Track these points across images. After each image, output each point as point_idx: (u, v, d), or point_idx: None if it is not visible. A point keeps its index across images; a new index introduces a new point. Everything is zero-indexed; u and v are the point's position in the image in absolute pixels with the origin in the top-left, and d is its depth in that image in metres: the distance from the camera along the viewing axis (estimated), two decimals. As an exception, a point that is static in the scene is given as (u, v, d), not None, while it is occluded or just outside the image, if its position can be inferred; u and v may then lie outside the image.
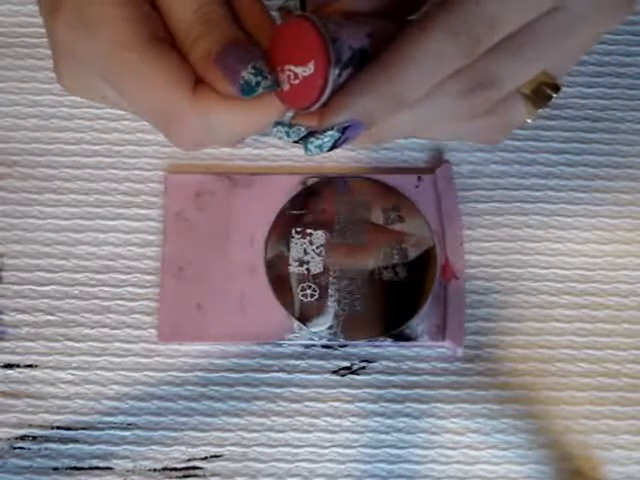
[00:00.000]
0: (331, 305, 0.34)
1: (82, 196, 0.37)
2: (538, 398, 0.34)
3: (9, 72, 0.38)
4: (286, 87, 0.24)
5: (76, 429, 0.34)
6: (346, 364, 0.35)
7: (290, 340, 0.34)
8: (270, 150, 0.38)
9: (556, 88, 0.28)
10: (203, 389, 0.34)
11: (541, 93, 0.28)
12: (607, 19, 0.27)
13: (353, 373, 0.35)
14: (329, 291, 0.34)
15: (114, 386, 0.34)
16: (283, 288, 0.35)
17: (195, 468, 0.33)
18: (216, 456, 0.33)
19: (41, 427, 0.34)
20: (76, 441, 0.33)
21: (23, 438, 0.33)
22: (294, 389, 0.34)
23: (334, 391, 0.34)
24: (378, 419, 0.34)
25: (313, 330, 0.34)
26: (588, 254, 0.36)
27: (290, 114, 0.26)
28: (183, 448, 0.33)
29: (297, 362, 0.35)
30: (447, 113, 0.27)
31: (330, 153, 0.37)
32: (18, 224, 0.36)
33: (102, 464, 0.33)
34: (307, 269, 0.35)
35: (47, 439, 0.33)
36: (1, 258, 0.36)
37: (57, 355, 0.34)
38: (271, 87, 0.24)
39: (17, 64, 0.39)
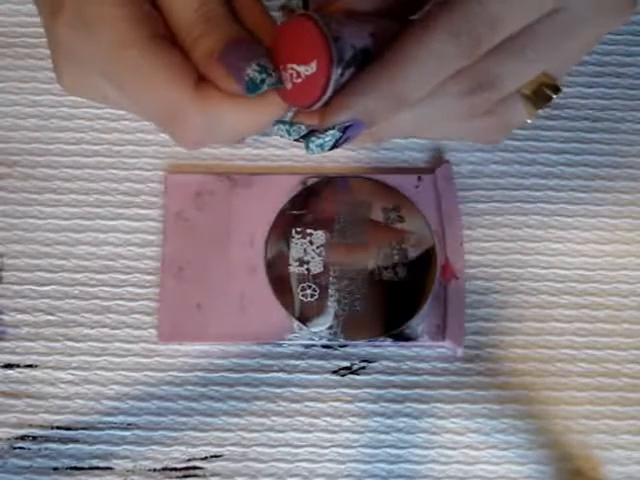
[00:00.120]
0: (331, 305, 0.34)
1: (82, 196, 0.37)
2: (538, 398, 0.34)
3: (9, 72, 0.38)
4: (288, 86, 0.24)
5: (76, 429, 0.34)
6: (346, 364, 0.35)
7: (290, 340, 0.34)
8: (270, 150, 0.38)
9: (556, 89, 0.28)
10: (203, 389, 0.34)
11: (541, 94, 0.28)
12: (608, 20, 0.27)
13: (353, 373, 0.35)
14: (329, 291, 0.34)
15: (114, 386, 0.34)
16: (283, 288, 0.35)
17: (195, 468, 0.33)
18: (216, 456, 0.33)
19: (41, 427, 0.34)
20: (76, 441, 0.33)
21: (23, 438, 0.33)
22: (294, 389, 0.34)
23: (334, 391, 0.34)
24: (378, 419, 0.34)
25: (313, 330, 0.34)
26: (588, 254, 0.36)
27: (291, 113, 0.26)
28: (183, 448, 0.33)
29: (297, 362, 0.35)
30: (448, 113, 0.27)
31: (330, 153, 0.37)
32: (18, 224, 0.36)
33: (102, 464, 0.33)
34: (307, 269, 0.35)
35: (47, 439, 0.33)
36: (1, 258, 0.36)
37: (57, 355, 0.34)
38: (275, 84, 0.24)
39: (17, 64, 0.39)
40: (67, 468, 0.33)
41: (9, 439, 0.33)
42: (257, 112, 0.25)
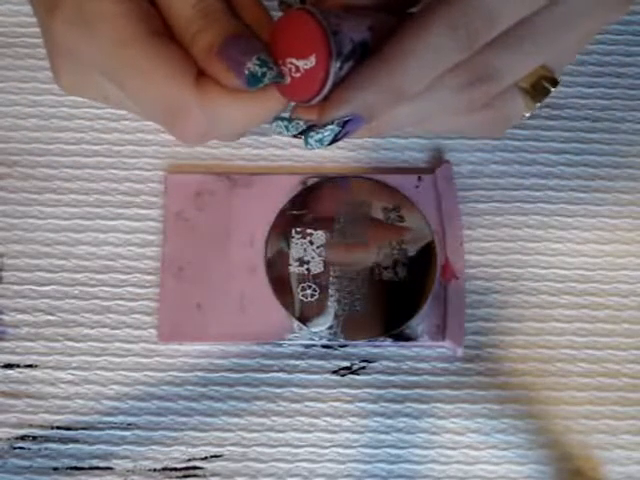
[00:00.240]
0: (331, 305, 0.34)
1: (82, 196, 0.37)
2: (538, 398, 0.34)
3: (9, 72, 0.38)
4: (287, 80, 0.24)
5: (76, 429, 0.34)
6: (346, 364, 0.35)
7: (290, 340, 0.34)
8: (270, 150, 0.38)
9: (554, 82, 0.28)
10: (203, 389, 0.34)
11: (539, 87, 0.28)
12: (607, 12, 0.27)
13: (353, 373, 0.35)
14: (329, 291, 0.34)
15: (114, 386, 0.34)
16: (283, 288, 0.35)
17: (195, 468, 0.33)
18: (216, 456, 0.33)
19: (41, 427, 0.34)
20: (76, 441, 0.33)
21: (23, 438, 0.33)
22: (294, 389, 0.34)
23: (334, 391, 0.34)
24: (378, 419, 0.34)
25: (313, 330, 0.34)
26: (588, 254, 0.36)
27: (289, 109, 0.26)
28: (183, 448, 0.33)
29: (297, 362, 0.35)
30: (446, 106, 0.27)
31: (330, 153, 0.38)
32: (18, 224, 0.36)
33: (102, 464, 0.33)
34: (307, 269, 0.35)
35: (47, 439, 0.33)
36: (1, 258, 0.36)
37: (57, 355, 0.34)
38: (276, 78, 0.24)
39: (17, 64, 0.39)
40: (67, 468, 0.33)
41: (9, 439, 0.33)
42: (257, 106, 0.25)
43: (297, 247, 0.35)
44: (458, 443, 0.34)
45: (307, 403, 0.34)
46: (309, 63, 0.24)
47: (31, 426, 0.34)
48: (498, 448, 0.34)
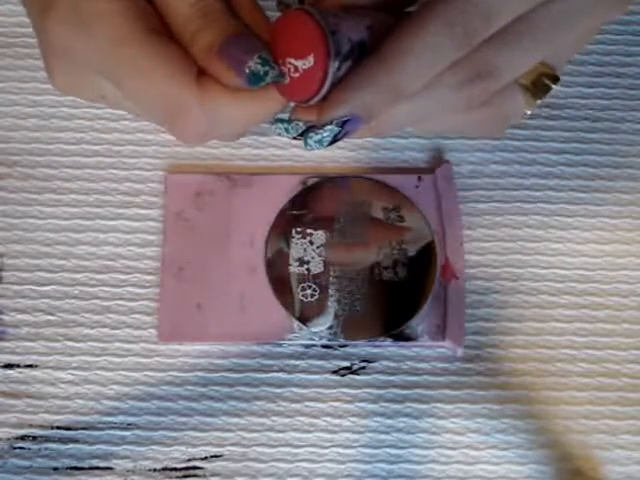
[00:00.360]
0: (331, 305, 0.34)
1: (82, 196, 0.37)
2: (538, 398, 0.34)
3: (9, 72, 0.38)
4: (286, 80, 0.24)
5: (76, 429, 0.34)
6: (346, 364, 0.35)
7: (290, 340, 0.34)
8: (270, 150, 0.38)
9: (555, 79, 0.28)
10: (203, 389, 0.34)
11: (540, 84, 0.28)
12: (606, 10, 0.27)
13: (353, 373, 0.35)
14: (329, 291, 0.34)
15: (114, 386, 0.34)
16: (283, 288, 0.35)
17: (195, 468, 0.33)
18: (216, 456, 0.33)
19: (41, 427, 0.34)
20: (76, 441, 0.33)
21: (23, 438, 0.33)
22: (294, 389, 0.34)
23: (334, 391, 0.34)
24: (378, 419, 0.34)
25: (313, 330, 0.34)
26: (588, 254, 0.36)
27: (289, 111, 0.26)
28: (183, 448, 0.33)
29: (297, 362, 0.35)
30: (445, 104, 0.27)
31: (330, 153, 0.38)
32: (18, 224, 0.36)
33: (102, 464, 0.33)
34: (307, 269, 0.35)
35: (47, 439, 0.33)
36: (1, 258, 0.36)
37: (57, 355, 0.34)
38: (277, 77, 0.24)
39: (17, 64, 0.39)
40: (67, 468, 0.33)
41: (9, 439, 0.33)
42: (257, 106, 0.25)
43: (297, 247, 0.35)
44: (458, 443, 0.34)
45: (307, 403, 0.34)
46: (307, 63, 0.24)
47: (31, 426, 0.34)
48: (498, 448, 0.34)
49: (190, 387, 0.34)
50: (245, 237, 0.36)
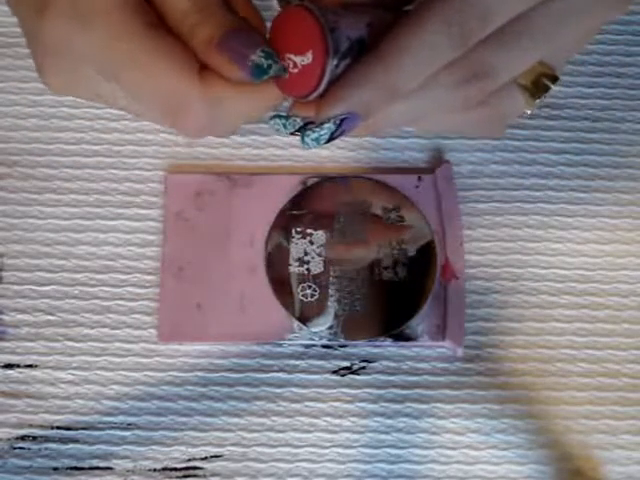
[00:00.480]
0: (331, 305, 0.34)
1: (82, 196, 0.37)
2: (538, 398, 0.34)
3: (9, 72, 0.38)
4: (286, 74, 0.25)
5: (76, 429, 0.34)
6: (346, 364, 0.35)
7: (290, 340, 0.34)
8: (270, 150, 0.38)
9: (554, 79, 0.28)
10: (203, 389, 0.34)
11: (539, 84, 0.28)
12: (607, 10, 0.27)
13: (353, 373, 0.35)
14: (329, 291, 0.34)
15: (114, 386, 0.34)
16: (283, 288, 0.35)
17: (195, 468, 0.33)
18: (216, 456, 0.33)
19: (41, 427, 0.34)
20: (76, 441, 0.33)
21: (23, 438, 0.33)
22: (294, 389, 0.34)
23: (334, 391, 0.34)
24: (378, 419, 0.34)
25: (313, 330, 0.34)
26: (588, 254, 0.36)
27: (287, 107, 0.26)
28: (183, 448, 0.33)
29: (297, 362, 0.35)
30: (442, 104, 0.27)
31: (330, 153, 0.38)
32: (18, 224, 0.36)
33: (102, 464, 0.33)
34: (307, 269, 0.35)
35: (47, 439, 0.33)
36: (1, 258, 0.36)
37: (57, 355, 0.34)
38: (280, 71, 0.24)
39: (17, 64, 0.38)
40: (67, 468, 0.33)
41: (9, 439, 0.33)
42: (259, 99, 0.25)
43: (297, 247, 0.35)
44: (458, 443, 0.34)
45: (307, 403, 0.34)
46: (306, 59, 0.24)
47: (31, 426, 0.34)
48: (498, 448, 0.34)
49: (190, 387, 0.34)
50: (245, 237, 0.36)
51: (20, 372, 0.34)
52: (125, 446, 0.33)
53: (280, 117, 0.26)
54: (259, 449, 0.33)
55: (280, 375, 0.34)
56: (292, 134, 0.26)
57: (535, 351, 0.35)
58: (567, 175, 0.37)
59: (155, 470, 0.33)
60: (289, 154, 0.38)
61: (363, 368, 0.35)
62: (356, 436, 0.34)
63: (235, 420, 0.34)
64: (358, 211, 0.36)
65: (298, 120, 0.25)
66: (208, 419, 0.34)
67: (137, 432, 0.34)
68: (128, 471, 0.33)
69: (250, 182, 0.37)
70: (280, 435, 0.34)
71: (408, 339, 0.34)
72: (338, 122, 0.25)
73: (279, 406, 0.34)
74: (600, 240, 0.36)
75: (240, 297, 0.35)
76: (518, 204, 0.37)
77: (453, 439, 0.34)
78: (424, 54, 0.24)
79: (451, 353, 0.35)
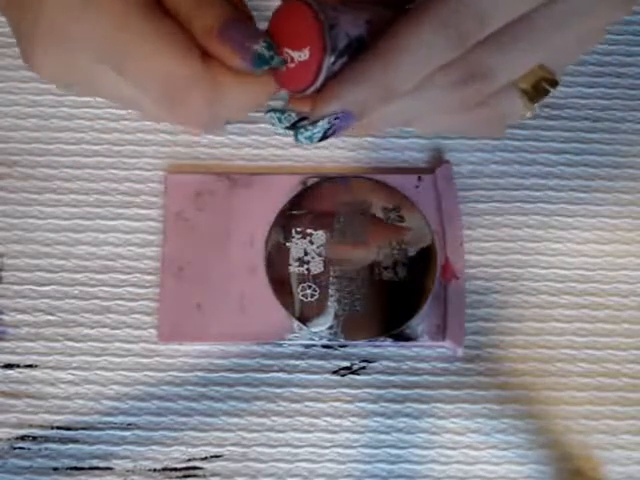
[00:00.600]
0: (331, 305, 0.34)
1: (82, 196, 0.37)
2: (538, 398, 0.34)
3: (9, 72, 0.38)
4: (283, 68, 0.25)
5: (76, 429, 0.34)
6: (346, 364, 0.35)
7: (290, 340, 0.34)
8: (270, 150, 0.38)
9: (554, 83, 0.27)
10: (203, 389, 0.34)
11: (538, 87, 0.27)
12: (611, 11, 0.27)
13: (353, 373, 0.35)
14: (329, 291, 0.34)
15: (114, 386, 0.34)
16: (283, 288, 0.35)
17: (195, 468, 0.33)
18: (216, 456, 0.33)
19: (41, 427, 0.34)
20: (76, 441, 0.33)
21: (23, 438, 0.33)
22: (294, 389, 0.34)
23: (334, 391, 0.34)
24: (378, 419, 0.34)
25: (313, 330, 0.34)
26: (588, 254, 0.36)
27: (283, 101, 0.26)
28: (183, 448, 0.33)
29: (297, 362, 0.35)
30: (438, 104, 0.27)
31: (330, 153, 0.38)
32: (18, 224, 0.36)
33: (102, 464, 0.33)
34: (307, 269, 0.35)
35: (47, 439, 0.33)
36: (1, 258, 0.36)
37: (57, 355, 0.34)
38: (281, 63, 0.25)
39: (17, 64, 0.38)
40: (67, 468, 0.33)
41: (9, 439, 0.33)
42: (258, 89, 0.26)
43: (297, 247, 0.35)
44: (458, 443, 0.34)
45: (307, 403, 0.34)
46: (303, 55, 0.24)
47: (31, 426, 0.34)
48: (498, 448, 0.34)
49: (190, 387, 0.34)
50: (245, 237, 0.36)
51: (20, 372, 0.34)
52: (125, 446, 0.33)
53: (276, 111, 0.26)
54: (259, 449, 0.33)
55: (280, 375, 0.34)
56: (287, 129, 0.26)
57: (535, 351, 0.35)
58: (567, 175, 0.37)
59: (155, 470, 0.33)
60: (289, 154, 0.38)
61: (363, 368, 0.35)
62: (356, 436, 0.34)
63: (235, 420, 0.34)
64: (358, 211, 0.36)
65: (293, 115, 0.26)
66: (208, 419, 0.34)
67: (137, 432, 0.34)
68: (128, 471, 0.33)
69: (250, 182, 0.37)
70: (280, 435, 0.34)
71: (408, 339, 0.34)
72: (332, 120, 0.25)
73: (279, 406, 0.34)
74: (600, 240, 0.36)
75: (240, 297, 0.35)
76: (518, 204, 0.37)
77: (453, 439, 0.34)
78: (421, 54, 0.24)
79: (451, 353, 0.35)
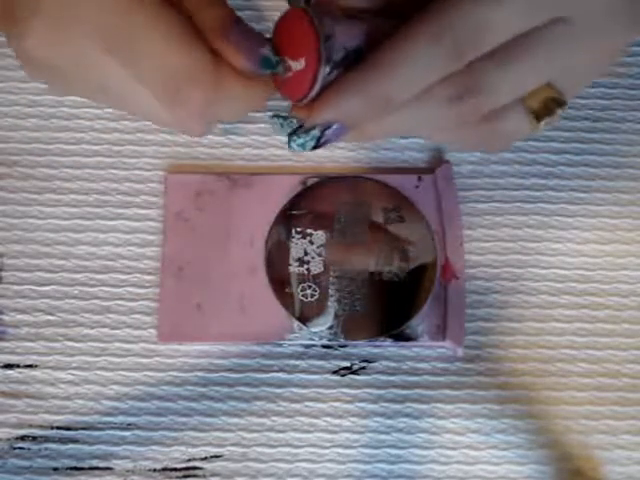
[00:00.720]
0: (331, 305, 0.34)
1: (82, 196, 0.37)
2: (538, 398, 0.34)
3: (9, 72, 0.38)
4: (282, 75, 0.25)
5: (76, 429, 0.34)
6: (346, 364, 0.35)
7: (290, 340, 0.34)
8: (270, 150, 0.38)
9: (562, 103, 0.27)
10: (203, 389, 0.34)
11: (546, 107, 0.27)
12: (627, 31, 0.26)
13: (353, 373, 0.35)
14: (329, 291, 0.34)
15: (114, 386, 0.34)
16: (283, 288, 0.35)
17: (195, 468, 0.33)
18: (216, 456, 0.33)
19: (41, 427, 0.34)
20: (76, 441, 0.33)
21: (23, 438, 0.33)
22: (294, 389, 0.34)
23: (334, 391, 0.34)
24: (378, 419, 0.34)
25: (313, 330, 0.34)
26: (588, 254, 0.36)
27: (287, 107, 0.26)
28: (183, 448, 0.33)
29: (297, 362, 0.35)
30: (435, 119, 0.27)
31: (330, 153, 0.38)
32: (18, 224, 0.36)
33: (102, 464, 0.33)
34: (307, 269, 0.35)
35: (47, 439, 0.33)
36: (1, 258, 0.36)
37: (57, 355, 0.34)
38: (282, 70, 0.25)
39: (17, 64, 0.38)
40: (67, 468, 0.33)
41: (9, 439, 0.33)
42: (258, 92, 0.26)
43: (297, 247, 0.35)
44: (458, 443, 0.34)
45: (307, 403, 0.34)
46: (299, 65, 0.24)
47: (31, 426, 0.34)
48: (498, 448, 0.34)
49: (190, 387, 0.34)
50: (245, 237, 0.36)
51: (20, 372, 0.34)
52: (125, 446, 0.33)
53: (279, 117, 0.26)
54: (259, 449, 0.33)
55: (280, 375, 0.34)
56: (288, 135, 0.26)
57: (535, 351, 0.35)
58: (567, 175, 0.37)
59: (155, 470, 0.33)
60: (289, 154, 0.38)
61: (363, 368, 0.35)
62: (356, 436, 0.34)
63: (235, 420, 0.34)
64: (358, 211, 0.36)
65: (295, 122, 0.26)
66: (208, 419, 0.34)
67: (137, 432, 0.34)
68: (128, 471, 0.33)
69: (250, 182, 0.37)
70: (280, 435, 0.34)
71: (408, 339, 0.34)
72: (324, 130, 0.25)
73: (279, 406, 0.34)
74: (600, 240, 0.36)
75: (240, 297, 0.35)
76: (518, 204, 0.37)
77: (453, 439, 0.34)
78: (416, 67, 0.24)
79: (451, 353, 0.35)
